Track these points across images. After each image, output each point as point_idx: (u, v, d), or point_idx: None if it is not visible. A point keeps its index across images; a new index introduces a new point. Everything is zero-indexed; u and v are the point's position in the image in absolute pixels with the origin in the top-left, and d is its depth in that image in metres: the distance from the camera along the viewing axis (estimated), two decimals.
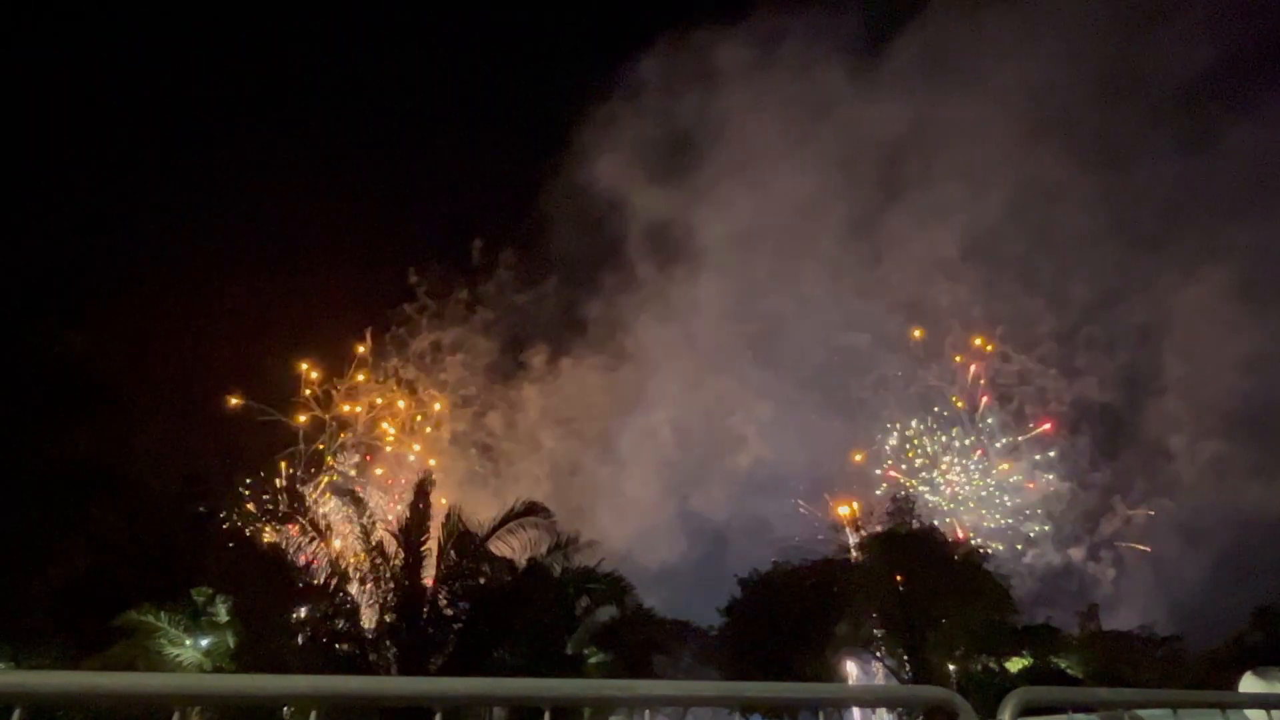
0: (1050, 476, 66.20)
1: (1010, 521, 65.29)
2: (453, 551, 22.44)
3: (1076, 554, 64.38)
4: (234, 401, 62.99)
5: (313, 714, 2.02)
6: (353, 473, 66.52)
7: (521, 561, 23.38)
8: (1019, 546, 64.69)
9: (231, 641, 21.95)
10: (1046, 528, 65.15)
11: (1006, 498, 66.07)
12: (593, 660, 26.80)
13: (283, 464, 63.46)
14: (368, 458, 69.18)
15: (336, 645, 22.28)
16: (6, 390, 25.15)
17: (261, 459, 61.06)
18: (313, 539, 22.51)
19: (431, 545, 22.52)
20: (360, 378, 70.67)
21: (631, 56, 74.96)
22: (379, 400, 71.16)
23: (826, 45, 71.15)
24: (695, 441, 72.81)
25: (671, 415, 72.91)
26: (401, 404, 71.57)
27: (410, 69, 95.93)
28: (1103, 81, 68.39)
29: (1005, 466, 67.05)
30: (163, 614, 21.38)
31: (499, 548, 23.05)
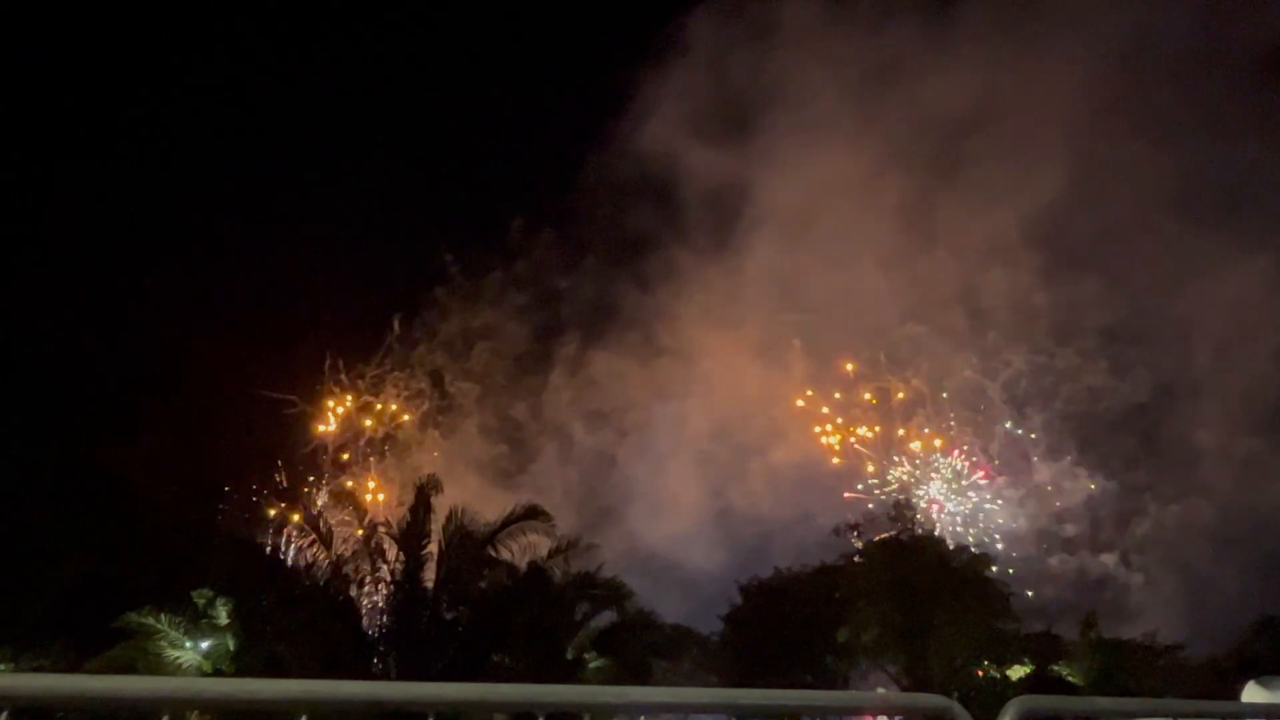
0: (1085, 479, 64.65)
1: (1038, 525, 64.25)
2: (453, 555, 22.42)
3: (1108, 559, 63.17)
4: (260, 394, 62.47)
5: (303, 718, 2.00)
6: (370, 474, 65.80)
7: (522, 565, 23.36)
8: (1044, 547, 63.66)
9: (231, 644, 21.95)
10: (1074, 530, 63.98)
11: (1035, 502, 65.14)
12: (593, 665, 26.73)
13: (282, 464, 63.21)
14: (385, 450, 68.12)
15: (336, 649, 22.25)
16: (12, 395, 25.22)
17: (269, 459, 60.79)
18: (313, 541, 22.49)
19: (432, 548, 22.51)
20: (379, 369, 69.49)
21: (681, 17, 70.55)
22: (399, 394, 69.73)
23: (891, 4, 67.60)
24: (733, 437, 69.96)
25: (710, 408, 69.81)
26: (421, 392, 70.44)
27: (444, 37, 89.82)
28: (1181, 55, 63.72)
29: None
30: (163, 616, 21.38)
31: (499, 551, 23.03)
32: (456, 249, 75.32)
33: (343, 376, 68.05)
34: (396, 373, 70.50)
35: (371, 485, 65.61)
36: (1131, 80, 64.76)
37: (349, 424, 67.41)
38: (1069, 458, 65.88)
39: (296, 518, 23.70)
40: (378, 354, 70.08)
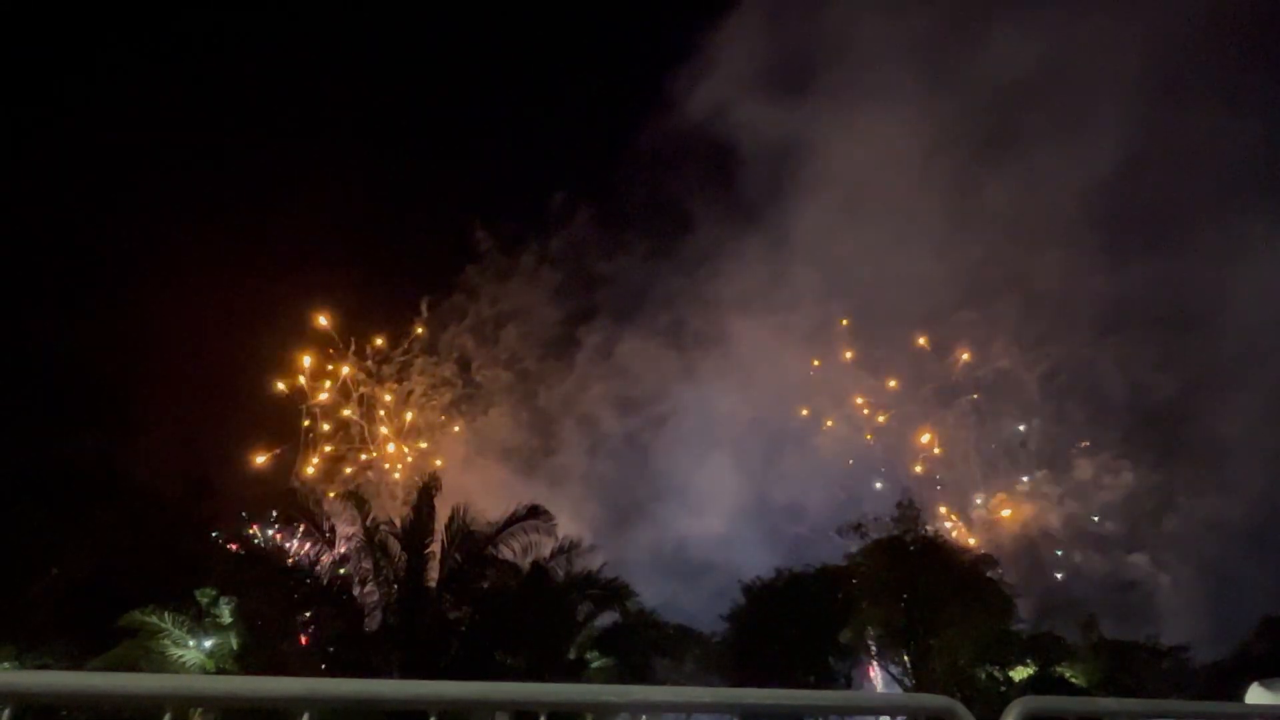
0: (1126, 473, 62.92)
1: (1074, 523, 63.14)
2: (456, 554, 22.45)
3: (1140, 558, 61.55)
4: (279, 386, 61.39)
5: (305, 716, 2.00)
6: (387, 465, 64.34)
7: (525, 565, 23.39)
8: (1060, 552, 62.59)
9: (235, 643, 21.98)
10: (1112, 527, 62.57)
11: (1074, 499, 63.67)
12: (595, 665, 26.76)
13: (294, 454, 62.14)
14: (401, 440, 66.63)
15: (339, 648, 22.29)
16: (11, 393, 25.27)
17: (278, 455, 60.17)
18: (316, 541, 22.54)
19: (435, 548, 22.55)
20: (407, 353, 67.62)
21: None
22: (423, 379, 67.67)
23: None
24: (770, 426, 68.25)
25: (747, 397, 67.69)
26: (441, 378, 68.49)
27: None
28: (1247, 27, 60.32)
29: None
30: (166, 615, 21.41)
31: (502, 550, 23.06)
32: (491, 224, 73.07)
33: (370, 363, 66.27)
34: (422, 358, 68.50)
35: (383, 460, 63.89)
36: (1203, 48, 60.09)
37: (367, 410, 65.62)
38: (1108, 452, 63.91)
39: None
40: (404, 340, 68.13)
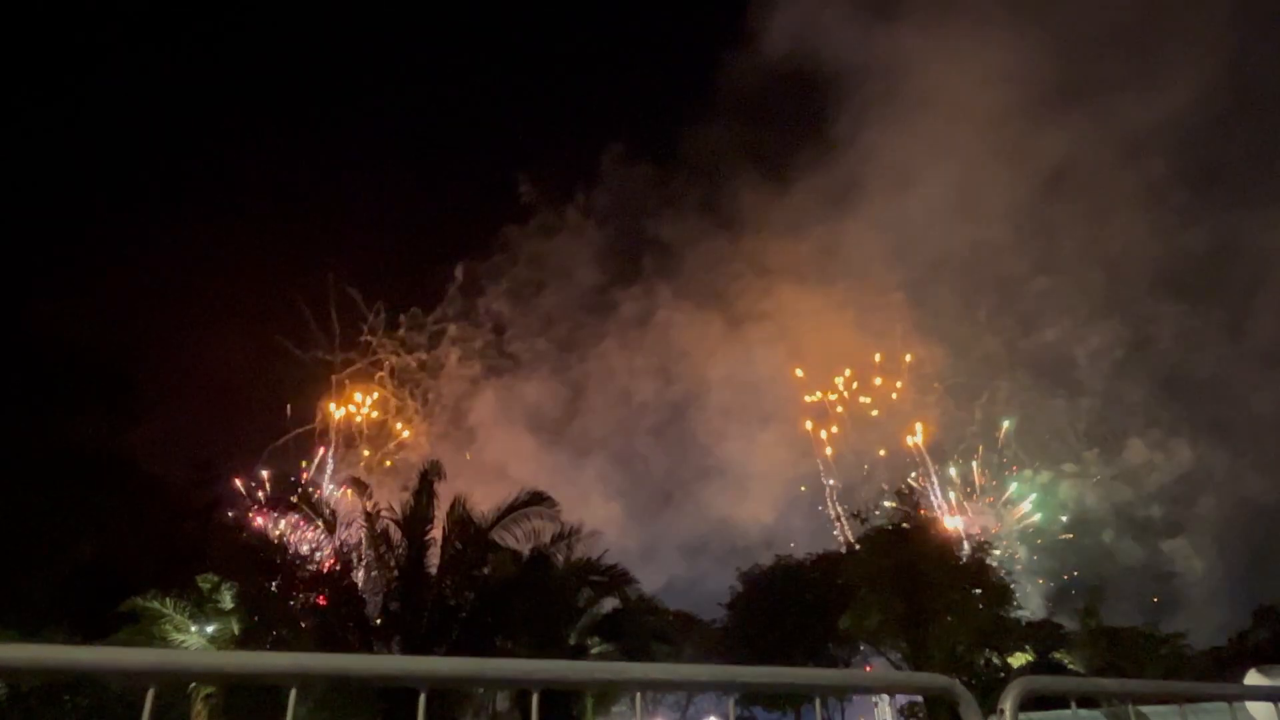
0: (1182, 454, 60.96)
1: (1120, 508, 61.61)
2: (457, 541, 22.47)
3: (1175, 544, 60.24)
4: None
5: (292, 693, 1.97)
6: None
7: (525, 551, 23.42)
8: (1107, 537, 61.39)
9: (236, 628, 22.02)
10: (1160, 512, 60.72)
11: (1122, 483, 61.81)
12: (595, 651, 26.84)
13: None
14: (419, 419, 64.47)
15: (339, 633, 22.34)
16: (14, 376, 25.22)
17: (285, 442, 59.20)
18: (317, 527, 22.57)
19: (436, 534, 22.57)
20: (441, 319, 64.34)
21: None
22: (455, 349, 64.97)
23: None
24: (810, 404, 66.55)
25: (792, 371, 65.90)
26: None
27: None
28: None
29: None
30: (168, 600, 21.43)
31: (503, 537, 23.09)
32: (537, 179, 68.28)
33: (402, 333, 63.78)
34: (456, 325, 65.42)
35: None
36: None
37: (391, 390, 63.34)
38: (1160, 430, 62.05)
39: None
40: (440, 306, 64.87)
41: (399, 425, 64.20)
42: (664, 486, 63.54)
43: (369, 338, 63.60)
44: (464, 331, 66.61)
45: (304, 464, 59.19)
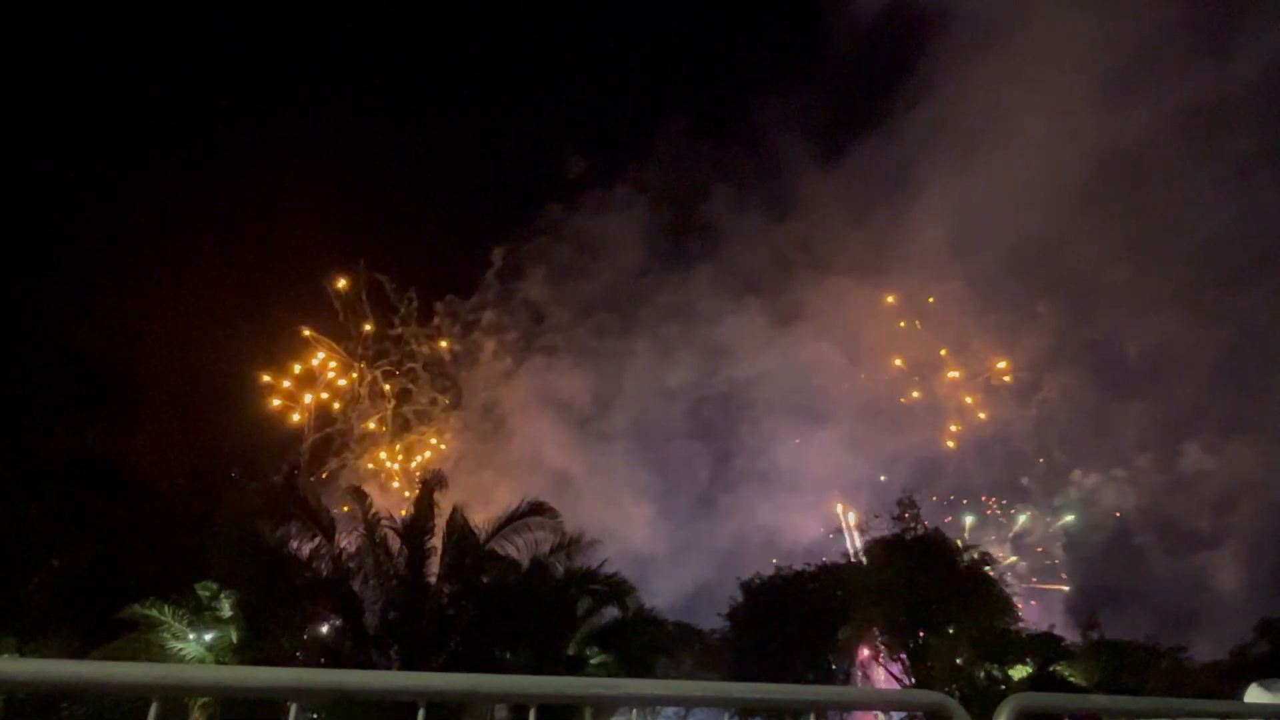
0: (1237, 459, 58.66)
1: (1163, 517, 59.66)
2: (456, 550, 22.49)
3: (1209, 556, 58.20)
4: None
5: (293, 708, 2.00)
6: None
7: (525, 561, 23.41)
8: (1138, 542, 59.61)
9: (235, 637, 21.98)
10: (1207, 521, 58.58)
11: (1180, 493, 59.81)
12: (594, 661, 26.73)
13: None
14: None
15: (338, 642, 22.33)
16: (14, 382, 25.27)
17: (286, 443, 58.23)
18: (315, 535, 22.57)
19: (436, 543, 22.58)
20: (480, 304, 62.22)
21: None
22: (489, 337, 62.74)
23: None
24: (865, 402, 62.99)
25: (844, 367, 62.47)
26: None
27: None
28: None
29: None
30: (167, 608, 21.39)
31: (504, 546, 23.10)
32: (583, 152, 63.34)
33: (438, 320, 61.35)
34: (493, 310, 63.15)
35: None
36: None
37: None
38: (1215, 436, 59.53)
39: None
40: (478, 291, 62.05)
41: (424, 430, 62.78)
42: (702, 487, 61.38)
43: (400, 329, 62.21)
44: (501, 318, 64.51)
45: (323, 472, 58.28)
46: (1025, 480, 63.99)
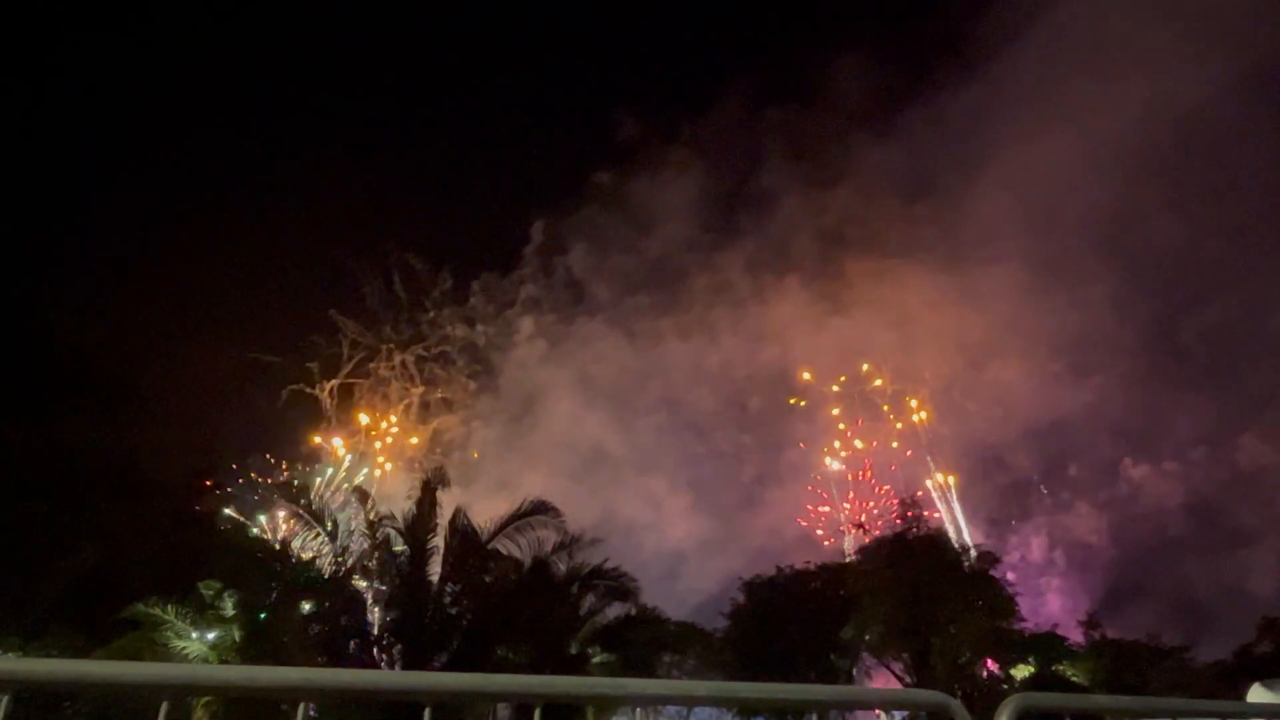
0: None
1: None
2: (458, 549, 22.50)
3: (1246, 554, 57.15)
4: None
5: (301, 706, 2.02)
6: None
7: (527, 560, 23.43)
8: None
9: (237, 635, 22.01)
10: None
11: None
12: (597, 660, 26.78)
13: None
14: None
15: (341, 640, 22.36)
16: (15, 381, 25.33)
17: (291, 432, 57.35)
18: (317, 535, 22.62)
19: (438, 542, 22.60)
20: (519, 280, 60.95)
21: None
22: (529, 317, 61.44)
23: None
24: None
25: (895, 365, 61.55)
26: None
27: None
28: None
29: None
30: (169, 607, 21.43)
31: (507, 545, 23.12)
32: (638, 117, 61.42)
33: (472, 299, 60.32)
34: (531, 285, 61.29)
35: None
36: None
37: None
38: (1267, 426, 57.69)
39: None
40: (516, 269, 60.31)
41: (451, 423, 62.21)
42: (741, 478, 60.64)
43: (432, 311, 61.52)
44: (539, 294, 63.60)
45: (335, 468, 57.80)
46: (1072, 470, 63.36)
